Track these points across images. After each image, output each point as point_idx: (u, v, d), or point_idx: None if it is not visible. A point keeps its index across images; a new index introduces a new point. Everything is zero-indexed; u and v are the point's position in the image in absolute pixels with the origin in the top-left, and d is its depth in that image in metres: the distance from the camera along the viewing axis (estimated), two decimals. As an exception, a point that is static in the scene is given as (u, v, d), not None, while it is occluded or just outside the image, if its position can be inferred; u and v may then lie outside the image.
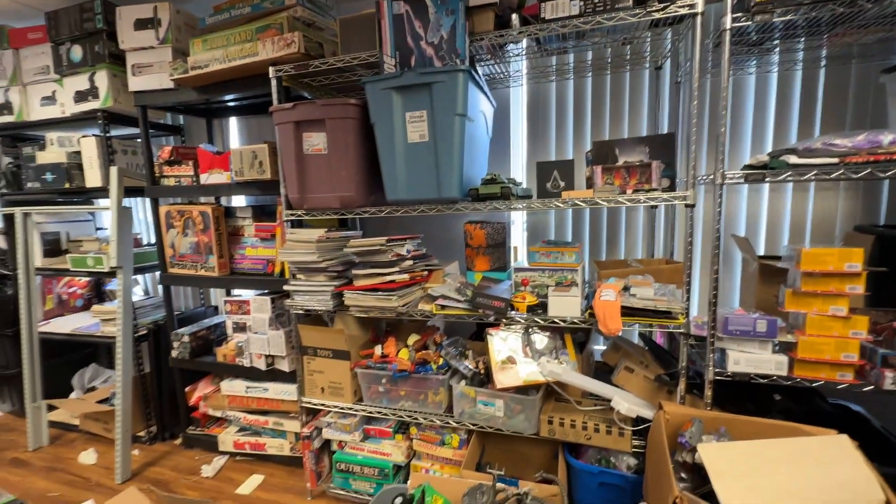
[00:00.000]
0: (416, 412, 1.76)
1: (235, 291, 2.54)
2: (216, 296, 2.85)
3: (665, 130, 1.90)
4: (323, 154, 1.66)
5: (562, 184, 1.63)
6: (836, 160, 1.22)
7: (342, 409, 1.87)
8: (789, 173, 1.25)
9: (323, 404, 1.90)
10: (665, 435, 1.28)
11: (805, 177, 1.25)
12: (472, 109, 1.58)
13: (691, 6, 1.29)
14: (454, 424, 1.71)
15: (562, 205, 1.51)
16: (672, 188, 1.56)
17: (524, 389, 1.61)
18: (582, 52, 1.93)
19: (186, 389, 2.35)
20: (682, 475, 1.27)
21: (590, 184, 1.62)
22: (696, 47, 1.31)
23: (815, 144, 1.27)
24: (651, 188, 1.49)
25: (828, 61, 1.71)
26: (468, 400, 1.67)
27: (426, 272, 1.85)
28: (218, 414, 2.28)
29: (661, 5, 1.31)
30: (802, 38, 1.56)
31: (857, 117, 1.70)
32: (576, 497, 1.59)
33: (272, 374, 2.10)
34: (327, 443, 1.97)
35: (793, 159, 1.26)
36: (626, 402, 1.43)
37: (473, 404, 1.67)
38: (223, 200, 2.60)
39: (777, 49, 1.66)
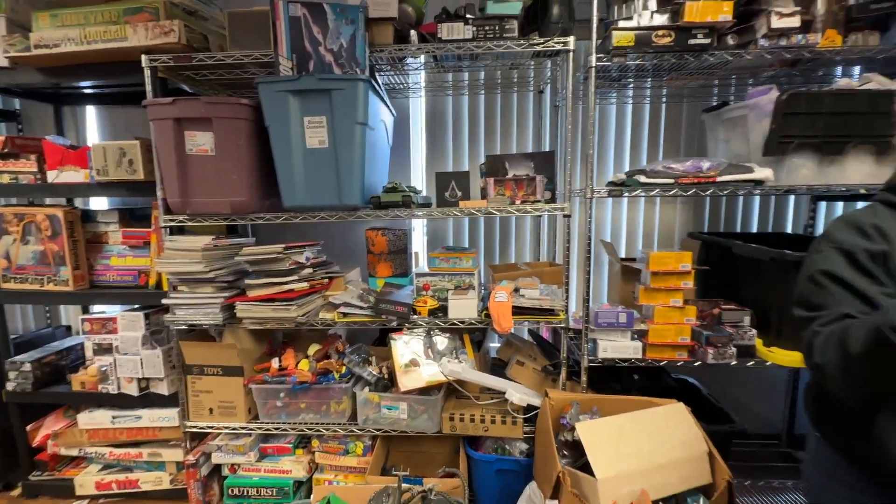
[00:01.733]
0: (318, 424, 1.71)
1: (97, 308, 2.19)
2: (68, 314, 2.42)
3: (547, 148, 2.14)
4: (210, 155, 1.54)
5: (459, 193, 1.73)
6: (672, 180, 1.51)
7: (235, 429, 1.74)
8: (640, 190, 1.52)
9: (211, 427, 1.74)
10: (550, 419, 1.45)
11: (651, 193, 1.52)
12: (373, 118, 1.60)
13: (565, 43, 1.49)
14: (358, 432, 1.70)
15: (459, 213, 1.61)
16: (553, 200, 1.77)
17: (427, 390, 1.67)
18: (476, 72, 2.08)
19: (28, 428, 1.96)
20: (565, 452, 1.44)
21: (484, 194, 1.75)
22: (569, 78, 1.51)
23: (658, 167, 1.55)
24: (536, 199, 1.67)
25: (668, 99, 2.10)
26: (372, 406, 1.69)
27: (327, 280, 1.82)
28: (73, 453, 1.94)
29: (542, 40, 1.49)
30: (649, 79, 1.89)
31: (688, 146, 2.11)
32: (476, 486, 1.70)
33: (146, 400, 1.86)
34: (217, 468, 1.81)
35: (642, 178, 1.53)
36: (518, 393, 1.58)
37: (378, 410, 1.69)
38: (78, 202, 2.23)
39: (631, 86, 1.98)
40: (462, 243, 2.30)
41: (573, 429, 1.36)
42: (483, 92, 2.16)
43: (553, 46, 1.49)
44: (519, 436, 1.62)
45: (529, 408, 1.63)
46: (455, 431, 1.64)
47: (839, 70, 1.85)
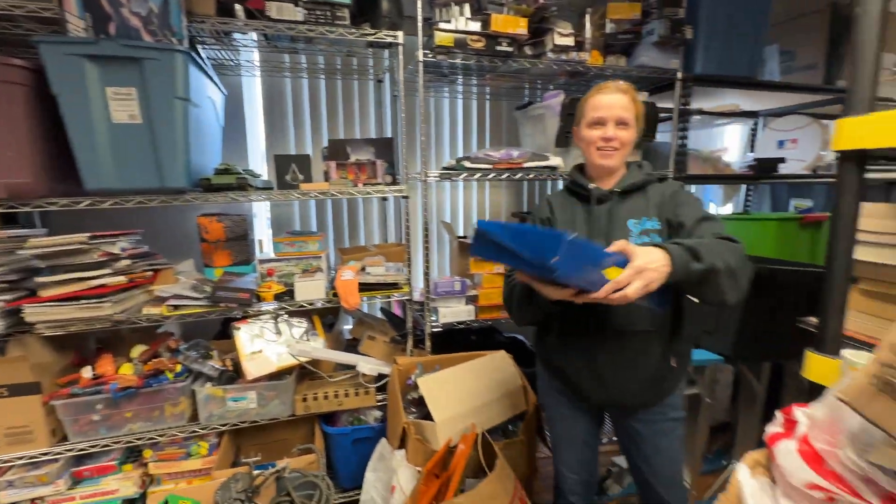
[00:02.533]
0: (150, 432, 1.55)
1: None
2: None
3: (389, 134, 2.26)
4: (-32, 126, 1.24)
5: (301, 177, 1.73)
6: (490, 166, 1.78)
7: (33, 458, 1.46)
8: (466, 173, 1.75)
9: (-3, 460, 1.43)
10: (398, 382, 1.59)
11: (475, 176, 1.77)
12: (197, 94, 1.49)
13: (394, 37, 1.61)
14: (201, 431, 1.60)
15: (300, 196, 1.62)
16: (395, 183, 1.90)
17: (278, 375, 1.66)
18: (315, 55, 2.07)
19: None
20: (413, 409, 1.61)
21: (327, 177, 1.79)
22: (399, 70, 1.64)
23: (480, 154, 1.81)
24: (377, 182, 1.77)
25: (490, 97, 2.41)
26: (217, 401, 1.60)
27: (151, 272, 1.64)
28: None
29: (373, 31, 1.59)
30: (474, 78, 2.15)
31: (508, 137, 2.47)
32: (335, 459, 1.76)
33: None
34: (10, 509, 1.49)
35: (468, 164, 1.76)
36: (368, 364, 1.69)
37: (223, 404, 1.61)
38: None
39: (460, 82, 2.22)
40: (310, 229, 2.29)
41: (417, 386, 1.53)
42: (324, 77, 2.16)
43: (384, 39, 1.60)
44: (372, 403, 1.74)
45: (381, 377, 1.76)
46: (309, 411, 1.67)
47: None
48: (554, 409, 1.25)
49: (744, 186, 2.89)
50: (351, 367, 1.77)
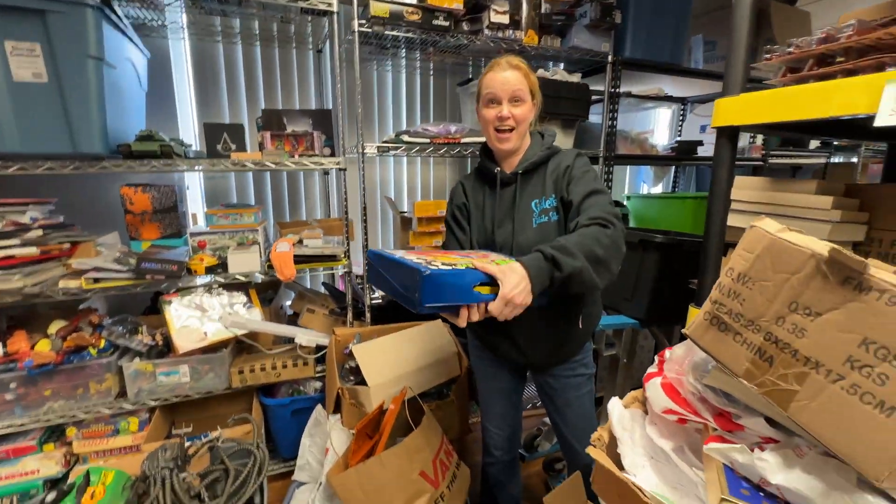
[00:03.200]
0: (73, 410, 1.50)
1: None
2: None
3: (330, 106, 2.22)
4: None
5: (233, 146, 1.69)
6: (428, 140, 1.81)
7: (-62, 440, 1.38)
8: (403, 147, 1.77)
9: None
10: (335, 352, 1.63)
11: (414, 150, 1.79)
12: (114, 54, 1.40)
13: (328, 4, 1.58)
14: (130, 407, 1.56)
15: (231, 167, 1.58)
16: (332, 156, 1.88)
17: (213, 349, 1.64)
18: (249, 21, 1.98)
19: None
20: (351, 377, 1.65)
21: (261, 148, 1.75)
22: (335, 39, 1.62)
23: (419, 129, 1.83)
24: (314, 154, 1.76)
25: (434, 73, 2.42)
26: (146, 376, 1.56)
27: (69, 245, 1.55)
28: None
29: (305, -4, 1.55)
30: (418, 51, 2.15)
31: (451, 114, 2.49)
32: (275, 430, 1.78)
33: None
34: (-87, 495, 1.41)
35: (406, 138, 1.78)
36: (307, 336, 1.71)
37: (153, 379, 1.58)
38: None
39: (403, 55, 2.21)
40: (248, 202, 2.23)
41: (353, 355, 1.57)
42: (259, 44, 2.08)
43: (317, 5, 1.57)
44: (311, 374, 1.76)
45: (320, 348, 1.78)
46: (246, 383, 1.67)
47: (550, 63, 2.46)
48: (480, 368, 1.33)
49: (673, 168, 3.10)
50: (290, 340, 1.77)
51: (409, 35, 1.71)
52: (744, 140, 2.65)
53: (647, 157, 2.47)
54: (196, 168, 1.60)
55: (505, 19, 1.78)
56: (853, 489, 0.47)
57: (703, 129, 2.76)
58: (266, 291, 2.10)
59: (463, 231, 1.20)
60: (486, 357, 1.28)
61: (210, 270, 1.62)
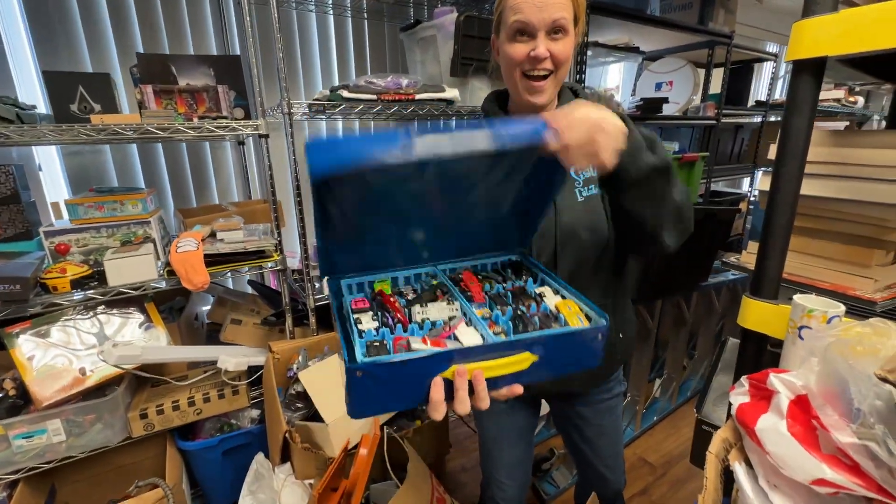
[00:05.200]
0: None
1: None
2: None
3: (238, 51, 1.72)
4: None
5: (96, 107, 1.19)
6: (375, 96, 1.42)
7: None
8: (343, 105, 1.37)
9: None
10: (274, 374, 1.26)
11: (356, 109, 1.40)
12: None
13: None
14: (-26, 488, 1.09)
15: (93, 134, 1.10)
16: (248, 118, 1.44)
17: (100, 391, 1.19)
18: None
19: None
20: (297, 405, 1.30)
21: (142, 108, 1.26)
22: (236, -49, 1.16)
23: (361, 82, 1.43)
24: (221, 116, 1.31)
25: (368, 16, 1.98)
26: (-7, 442, 1.09)
27: None
28: None
29: None
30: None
31: (393, 66, 2.09)
32: (201, 478, 1.40)
33: None
34: None
35: (346, 93, 1.38)
36: (234, 358, 1.31)
37: (7, 445, 1.11)
38: None
39: (329, -10, 1.75)
40: (135, 185, 1.69)
41: (299, 379, 1.22)
42: (126, -35, 1.51)
43: None
44: (246, 404, 1.38)
45: (255, 370, 1.39)
46: (153, 430, 1.25)
47: None
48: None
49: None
50: (211, 362, 1.37)
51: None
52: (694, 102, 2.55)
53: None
54: (40, 139, 1.09)
55: (463, -61, 1.41)
56: None
57: (658, 86, 2.62)
58: (173, 299, 1.64)
59: None
60: None
61: (79, 284, 1.15)
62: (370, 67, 2.05)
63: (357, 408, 0.51)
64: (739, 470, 0.52)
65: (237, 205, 1.73)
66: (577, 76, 1.86)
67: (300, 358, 1.29)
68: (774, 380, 0.58)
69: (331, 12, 1.90)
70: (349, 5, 1.90)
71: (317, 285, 1.51)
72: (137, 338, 1.26)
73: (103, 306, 1.24)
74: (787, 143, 0.74)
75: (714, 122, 2.53)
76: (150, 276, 1.22)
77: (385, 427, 1.14)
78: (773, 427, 0.53)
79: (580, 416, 0.97)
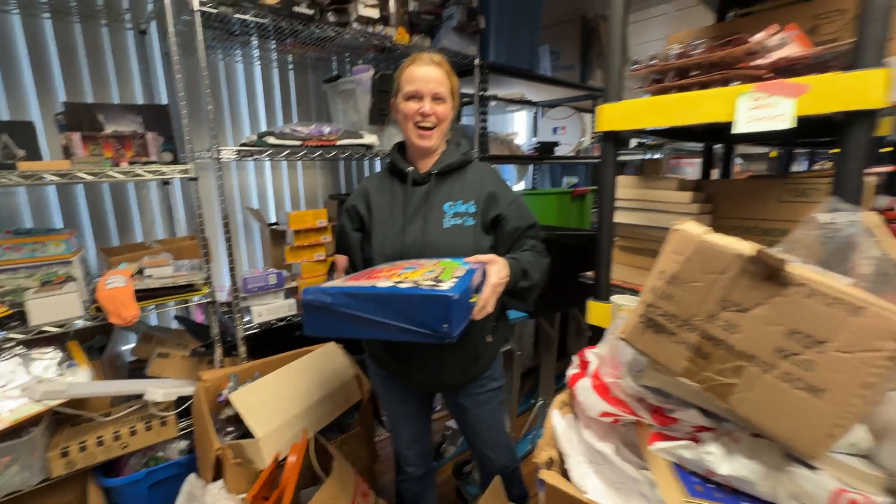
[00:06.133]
0: None
1: None
2: None
3: (164, 101, 1.82)
4: None
5: (19, 153, 1.24)
6: (300, 142, 1.60)
7: None
8: (270, 151, 1.53)
9: None
10: (205, 402, 1.33)
11: (283, 154, 1.57)
12: None
13: (155, -27, 1.26)
14: None
15: (21, 180, 1.16)
16: (176, 162, 1.54)
17: (16, 432, 1.19)
18: (26, -17, 1.48)
19: None
20: (229, 429, 1.37)
21: (68, 154, 1.32)
22: (168, 19, 1.31)
23: (287, 130, 1.61)
24: (150, 161, 1.40)
25: (295, 67, 2.17)
26: None
27: None
28: None
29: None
30: (274, 42, 1.88)
31: (318, 113, 2.28)
32: (125, 518, 1.39)
33: None
34: None
35: (272, 140, 1.55)
36: (162, 389, 1.36)
37: None
38: None
39: (255, 45, 1.92)
40: (51, 225, 1.69)
41: (230, 402, 1.30)
42: (49, 16, 1.57)
43: (138, -27, 1.24)
44: (173, 434, 1.42)
45: (182, 401, 1.44)
46: (76, 468, 1.25)
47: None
48: (387, 395, 1.24)
49: (531, 166, 3.38)
50: (138, 396, 1.40)
51: (262, 21, 1.47)
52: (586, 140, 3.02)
53: (515, 157, 2.64)
54: (-43, 184, 1.12)
55: (374, 13, 1.67)
56: (786, 465, 0.52)
57: (554, 130, 3.06)
58: (93, 338, 1.63)
59: (359, 231, 1.14)
60: (394, 386, 1.19)
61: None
62: (296, 113, 2.22)
63: (455, 328, 0.69)
64: (556, 414, 0.75)
65: (162, 242, 1.78)
66: (481, 123, 2.18)
67: (231, 384, 1.37)
68: (588, 353, 0.83)
69: (257, 63, 2.07)
70: (275, 59, 2.08)
71: (246, 317, 1.60)
72: (56, 377, 1.27)
73: (22, 346, 1.25)
74: (602, 188, 1.03)
75: (600, 160, 2.98)
76: (76, 312, 1.26)
77: (318, 435, 1.26)
78: (583, 385, 0.76)
79: (461, 406, 1.18)
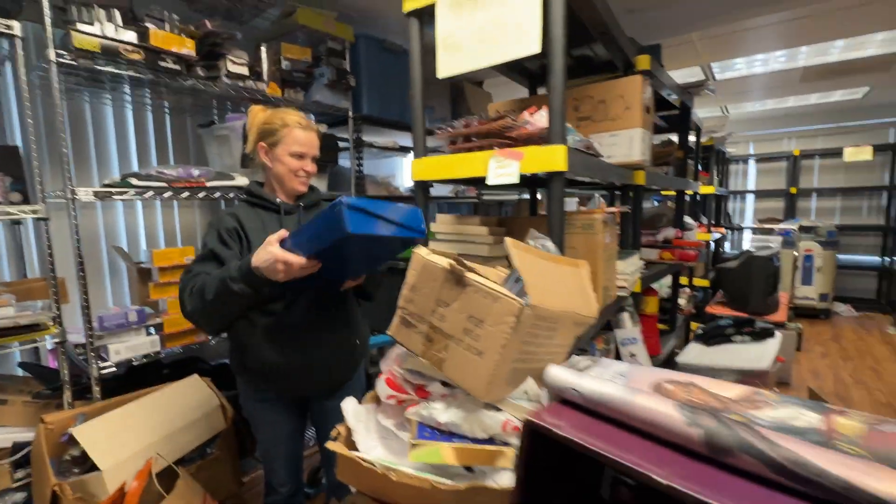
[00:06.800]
0: None
1: None
2: None
3: (17, 142, 1.79)
4: None
5: None
6: (166, 184, 1.69)
7: None
8: (132, 192, 1.60)
9: None
10: (45, 444, 1.30)
11: (147, 195, 1.64)
12: None
13: (8, 26, 1.33)
14: None
15: None
16: (26, 202, 1.53)
17: None
18: None
19: None
20: (75, 470, 1.34)
21: None
22: (20, 68, 1.37)
23: (152, 171, 1.69)
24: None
25: (171, 112, 2.25)
26: None
27: None
28: None
29: (-35, 12, 1.26)
30: (147, 89, 1.96)
31: (197, 156, 2.35)
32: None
33: None
34: None
35: (135, 181, 1.62)
36: (-5, 435, 1.31)
37: None
38: None
39: (127, 90, 1.98)
40: None
41: (75, 440, 1.30)
42: None
43: (-12, 25, 1.30)
44: (8, 485, 1.35)
45: (21, 447, 1.38)
46: None
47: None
48: (259, 416, 1.33)
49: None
50: (-37, 449, 1.32)
51: (126, 73, 1.58)
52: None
53: (393, 198, 2.91)
54: None
55: (244, 70, 1.86)
56: (480, 410, 0.76)
57: (435, 173, 3.42)
58: None
59: (231, 250, 1.20)
60: (266, 400, 1.30)
61: None
62: (172, 155, 2.27)
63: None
64: (349, 401, 0.94)
65: (9, 284, 1.70)
66: (357, 168, 2.42)
67: (77, 423, 1.36)
68: (389, 353, 1.04)
69: (129, 106, 2.11)
70: (149, 103, 2.14)
71: (102, 359, 1.59)
72: None
73: None
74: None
75: (476, 200, 3.38)
76: None
77: (174, 464, 1.30)
78: (380, 379, 0.97)
79: (326, 416, 1.33)
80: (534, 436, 0.48)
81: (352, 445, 0.87)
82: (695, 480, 0.32)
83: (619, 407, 0.44)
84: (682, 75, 3.67)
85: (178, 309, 1.76)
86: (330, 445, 0.83)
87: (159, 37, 1.58)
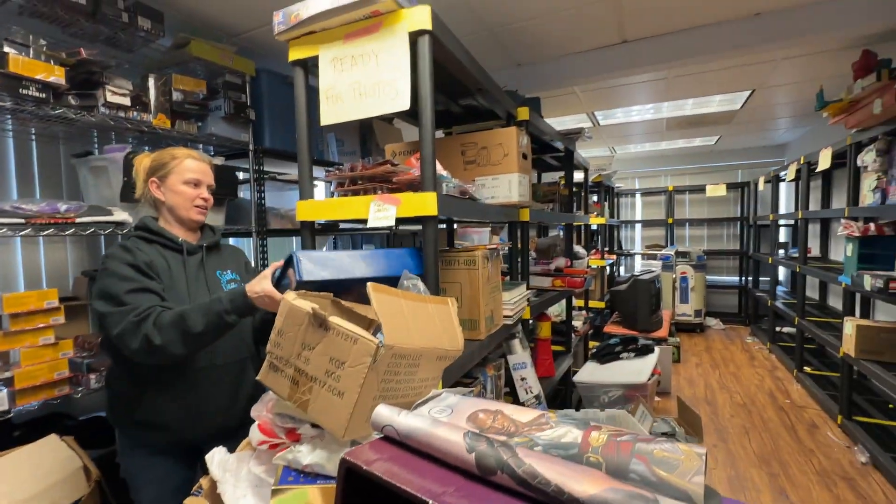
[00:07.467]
0: None
1: None
2: None
3: None
4: None
5: None
6: (24, 220, 1.52)
7: None
8: (-22, 231, 1.42)
9: None
10: None
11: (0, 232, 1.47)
12: None
13: None
14: None
15: None
16: None
17: None
18: None
19: None
20: None
21: None
22: None
23: (7, 207, 1.52)
24: None
25: (39, 139, 2.04)
26: None
27: None
28: None
29: None
30: (9, 116, 1.76)
31: (70, 188, 2.15)
32: None
33: None
34: None
35: (-17, 218, 1.44)
36: None
37: None
38: None
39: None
40: None
41: None
42: None
43: None
44: None
45: None
46: None
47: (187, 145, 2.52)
48: (143, 472, 1.23)
49: (331, 238, 3.67)
50: None
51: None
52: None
53: (294, 230, 2.87)
54: None
55: (125, 101, 1.77)
56: (346, 449, 0.80)
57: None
58: None
59: (152, 279, 1.17)
60: (155, 454, 1.23)
61: None
62: (39, 186, 2.05)
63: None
64: (216, 451, 0.92)
65: None
66: (259, 199, 2.36)
67: None
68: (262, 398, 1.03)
69: (-15, 132, 1.89)
70: (10, 129, 1.93)
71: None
72: None
73: None
74: (305, 263, 1.30)
75: (391, 231, 3.44)
76: None
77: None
78: (254, 426, 0.96)
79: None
80: (349, 473, 0.52)
81: (217, 499, 0.85)
82: (466, 499, 0.39)
83: (422, 439, 0.51)
84: (572, 120, 4.13)
85: (37, 359, 1.58)
86: (188, 502, 0.80)
87: (20, 63, 1.46)
